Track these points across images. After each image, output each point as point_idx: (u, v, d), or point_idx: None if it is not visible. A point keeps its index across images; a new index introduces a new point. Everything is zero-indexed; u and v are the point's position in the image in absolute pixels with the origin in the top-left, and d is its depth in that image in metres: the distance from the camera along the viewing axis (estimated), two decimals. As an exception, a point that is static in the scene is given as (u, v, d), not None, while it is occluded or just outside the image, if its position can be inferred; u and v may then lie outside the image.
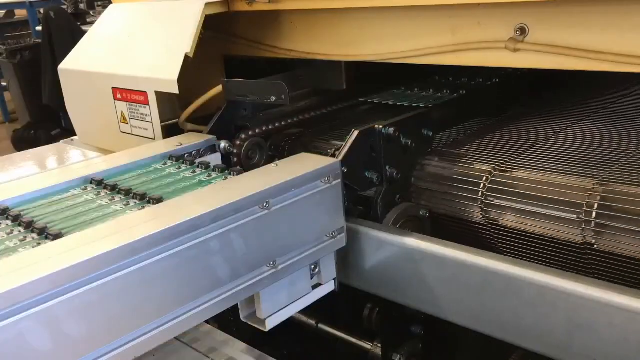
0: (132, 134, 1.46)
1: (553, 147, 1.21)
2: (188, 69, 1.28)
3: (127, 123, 1.46)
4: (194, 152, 1.20)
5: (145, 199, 0.92)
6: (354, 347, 1.32)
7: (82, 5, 5.98)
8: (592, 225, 0.96)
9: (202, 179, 1.02)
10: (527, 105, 1.56)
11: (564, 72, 1.03)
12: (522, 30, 1.04)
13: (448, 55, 1.16)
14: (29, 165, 1.66)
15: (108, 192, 0.97)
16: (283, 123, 1.37)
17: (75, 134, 1.76)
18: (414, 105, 1.29)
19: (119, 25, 1.58)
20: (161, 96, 1.36)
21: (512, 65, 1.08)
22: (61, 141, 1.86)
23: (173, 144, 1.19)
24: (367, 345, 1.29)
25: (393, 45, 1.24)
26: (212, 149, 1.23)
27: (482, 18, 1.09)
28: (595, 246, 0.96)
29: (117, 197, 0.94)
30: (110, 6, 1.64)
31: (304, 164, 0.98)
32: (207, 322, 1.09)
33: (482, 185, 1.10)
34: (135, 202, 0.92)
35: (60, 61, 1.63)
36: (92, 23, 4.00)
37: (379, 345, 1.26)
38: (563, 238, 1.00)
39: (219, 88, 1.32)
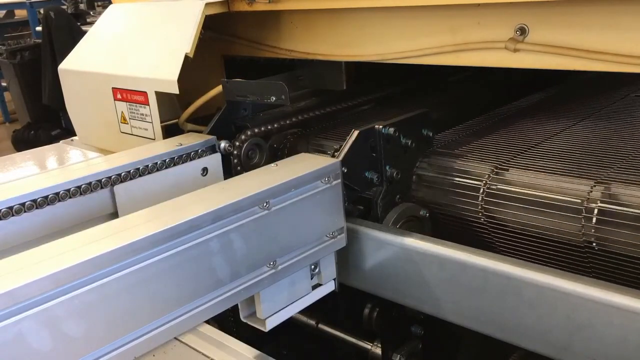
0: (132, 134, 1.46)
1: (553, 147, 1.21)
2: (188, 69, 1.28)
3: (127, 123, 1.46)
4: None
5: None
6: (354, 347, 1.32)
7: (82, 5, 5.97)
8: (592, 225, 0.96)
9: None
10: (527, 106, 1.57)
11: (564, 71, 1.03)
12: (522, 30, 1.04)
13: (448, 55, 1.16)
14: (29, 166, 1.66)
15: None
16: (283, 123, 1.37)
17: (75, 134, 1.75)
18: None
19: (119, 25, 1.58)
20: (161, 96, 1.35)
21: (512, 65, 1.08)
22: (61, 141, 1.86)
23: (173, 144, 1.19)
24: (367, 345, 1.29)
25: (393, 45, 1.24)
26: (212, 149, 1.23)
27: (482, 18, 1.09)
28: (595, 246, 0.96)
29: None
30: (110, 6, 1.64)
31: (304, 164, 0.98)
32: (207, 322, 1.09)
33: (482, 185, 1.10)
34: None
35: (60, 61, 1.63)
36: (92, 23, 4.00)
37: (379, 345, 1.26)
38: (563, 238, 1.00)
39: (219, 88, 1.32)
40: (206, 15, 1.33)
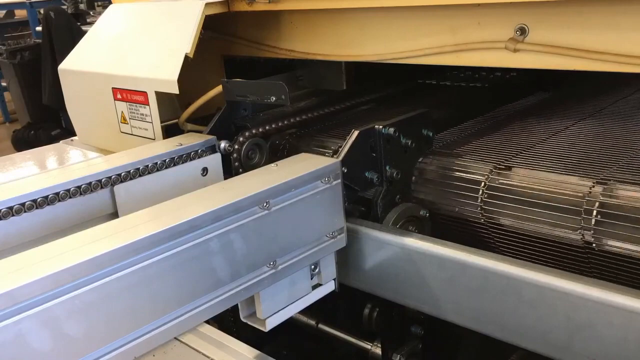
0: (132, 134, 1.46)
1: (553, 147, 1.21)
2: (188, 69, 1.28)
3: (127, 123, 1.46)
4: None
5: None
6: (354, 347, 1.32)
7: (82, 5, 5.97)
8: (592, 225, 0.96)
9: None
10: (527, 105, 1.57)
11: (564, 71, 1.03)
12: (522, 30, 1.04)
13: (448, 55, 1.16)
14: (29, 166, 1.66)
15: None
16: (283, 123, 1.37)
17: (75, 134, 1.76)
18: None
19: (119, 25, 1.58)
20: (161, 96, 1.36)
21: (512, 65, 1.08)
22: (61, 141, 1.86)
23: (173, 144, 1.19)
24: (367, 345, 1.29)
25: (393, 45, 1.24)
26: (212, 149, 1.23)
27: (482, 18, 1.09)
28: (595, 246, 0.96)
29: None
30: (110, 6, 1.64)
31: (304, 164, 0.98)
32: (207, 322, 1.09)
33: (481, 185, 1.10)
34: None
35: (60, 61, 1.63)
36: (92, 23, 4.00)
37: (379, 345, 1.26)
38: (563, 238, 1.00)
39: (219, 88, 1.32)
40: (206, 15, 1.33)
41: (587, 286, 0.81)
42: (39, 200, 0.99)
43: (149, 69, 1.36)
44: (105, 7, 4.81)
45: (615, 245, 0.94)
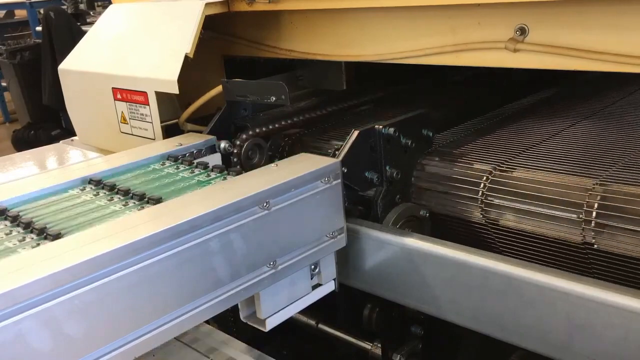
0: (132, 134, 1.46)
1: (553, 147, 1.21)
2: (188, 69, 1.28)
3: (127, 123, 1.46)
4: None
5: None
6: (354, 347, 1.32)
7: (82, 5, 5.97)
8: (592, 225, 0.96)
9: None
10: (527, 105, 1.57)
11: (564, 72, 1.03)
12: (522, 30, 1.04)
13: (448, 55, 1.16)
14: (29, 166, 1.66)
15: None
16: (283, 123, 1.37)
17: (75, 134, 1.76)
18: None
19: (119, 25, 1.58)
20: (161, 96, 1.36)
21: (512, 65, 1.08)
22: (61, 141, 1.86)
23: (173, 144, 1.19)
24: (367, 345, 1.29)
25: (393, 45, 1.24)
26: (212, 149, 1.23)
27: (482, 18, 1.09)
28: (595, 246, 0.96)
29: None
30: (110, 6, 1.64)
31: (304, 164, 0.98)
32: (207, 322, 1.09)
33: (482, 185, 1.10)
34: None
35: (60, 61, 1.63)
36: (92, 23, 4.00)
37: (379, 345, 1.26)
38: (563, 238, 1.00)
39: (219, 88, 1.32)
40: (206, 15, 1.33)
41: (587, 286, 0.81)
42: (39, 200, 0.98)
43: (149, 69, 1.36)
44: (105, 7, 4.80)
45: (615, 245, 0.94)
